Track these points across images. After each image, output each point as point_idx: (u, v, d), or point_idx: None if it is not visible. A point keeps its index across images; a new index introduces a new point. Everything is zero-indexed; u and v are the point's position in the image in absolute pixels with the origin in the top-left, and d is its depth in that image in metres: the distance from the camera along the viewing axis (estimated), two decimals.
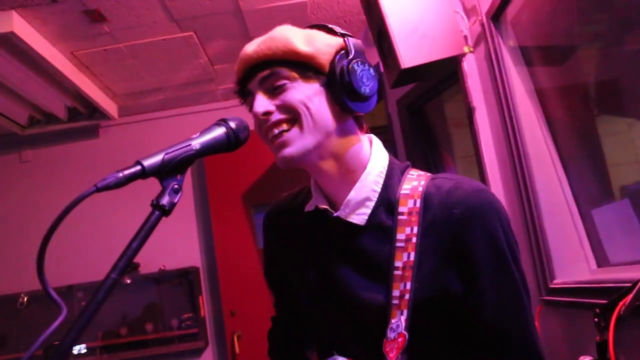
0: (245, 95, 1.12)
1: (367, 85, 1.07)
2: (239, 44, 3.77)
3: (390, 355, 1.01)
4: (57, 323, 0.76)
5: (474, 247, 1.02)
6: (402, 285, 1.02)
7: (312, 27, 1.14)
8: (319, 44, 1.07)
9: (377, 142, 1.17)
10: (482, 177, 2.73)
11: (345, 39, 1.10)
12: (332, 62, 1.07)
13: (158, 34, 3.69)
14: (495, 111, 2.58)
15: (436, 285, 1.02)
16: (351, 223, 1.10)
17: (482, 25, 2.55)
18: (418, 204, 1.06)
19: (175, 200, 0.88)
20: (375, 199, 1.10)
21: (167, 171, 0.88)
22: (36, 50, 3.40)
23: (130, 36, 3.66)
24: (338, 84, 1.05)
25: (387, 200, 1.09)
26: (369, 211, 1.09)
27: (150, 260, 4.48)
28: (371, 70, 1.10)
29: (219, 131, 0.97)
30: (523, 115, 2.37)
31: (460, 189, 1.05)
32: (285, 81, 1.06)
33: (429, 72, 2.84)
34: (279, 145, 1.07)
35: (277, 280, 1.33)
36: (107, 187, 0.81)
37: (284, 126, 1.06)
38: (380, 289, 1.05)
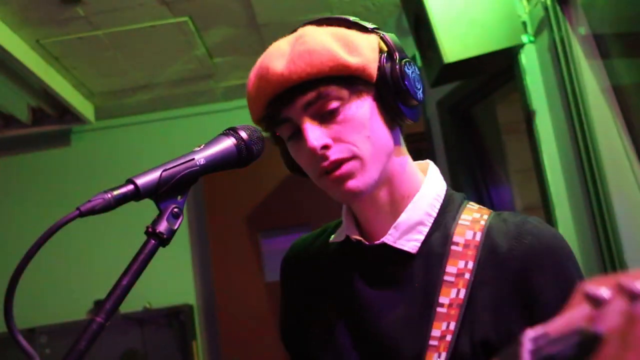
0: (277, 124, 1.12)
1: (419, 88, 1.12)
2: (244, 33, 3.81)
3: None
4: None
5: (545, 286, 1.03)
6: (444, 324, 1.05)
7: (329, 23, 1.13)
8: (363, 50, 1.08)
9: (434, 167, 1.21)
10: (544, 196, 2.72)
11: (382, 35, 1.12)
12: (381, 69, 1.09)
13: (145, 19, 3.72)
14: (561, 115, 2.57)
15: (496, 323, 1.04)
16: (399, 250, 1.12)
17: (546, 9, 2.55)
18: (478, 237, 1.09)
19: (175, 227, 0.88)
20: (430, 224, 1.13)
21: (166, 191, 0.89)
22: None
23: (110, 21, 3.70)
24: (392, 92, 1.09)
25: (443, 227, 1.12)
26: (422, 237, 1.12)
27: (133, 296, 4.46)
28: (417, 69, 1.13)
29: (228, 143, 0.98)
30: (597, 120, 2.36)
31: (530, 223, 1.09)
32: (336, 103, 1.07)
33: (478, 68, 2.85)
34: (341, 178, 1.08)
35: (298, 342, 1.32)
36: (93, 211, 0.82)
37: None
38: (419, 328, 1.07)
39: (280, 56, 1.08)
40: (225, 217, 4.79)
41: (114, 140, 5.02)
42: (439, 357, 1.04)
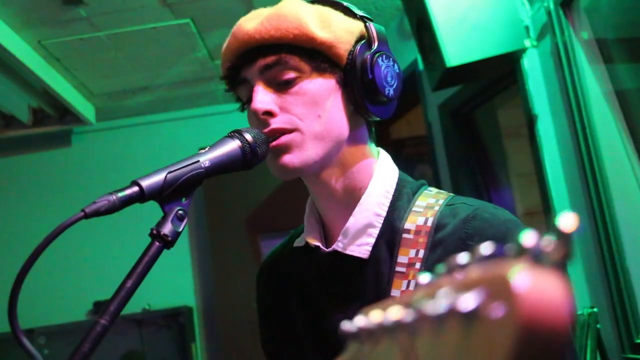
0: (237, 83, 1.11)
1: (392, 85, 1.08)
2: None
3: None
4: None
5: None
6: None
7: (323, 2, 1.13)
8: (337, 30, 1.06)
9: (384, 157, 1.16)
10: (546, 201, 2.72)
11: (367, 24, 1.10)
12: (352, 54, 1.06)
13: (147, 20, 3.73)
14: (564, 119, 2.57)
15: None
16: (351, 257, 1.09)
17: (549, 13, 2.55)
18: (429, 223, 1.04)
19: (180, 229, 0.88)
20: (380, 225, 1.08)
21: (170, 193, 0.88)
22: None
23: (112, 23, 3.70)
24: (358, 81, 1.06)
25: (394, 223, 1.08)
26: (372, 240, 1.08)
27: (132, 297, 4.49)
28: (396, 67, 1.09)
29: (233, 145, 0.98)
30: (599, 125, 2.35)
31: (478, 218, 1.02)
32: (294, 74, 1.05)
33: (480, 72, 2.85)
34: (277, 149, 1.05)
35: (274, 355, 1.31)
36: (98, 213, 0.81)
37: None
38: None
39: (255, 17, 1.08)
40: (225, 219, 4.79)
41: (114, 142, 5.03)
42: None
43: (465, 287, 0.35)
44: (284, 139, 1.05)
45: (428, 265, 1.01)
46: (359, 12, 1.11)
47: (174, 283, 4.79)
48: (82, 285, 4.64)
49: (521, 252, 0.34)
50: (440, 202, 1.07)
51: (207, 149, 0.96)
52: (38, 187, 4.92)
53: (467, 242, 0.99)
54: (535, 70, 2.74)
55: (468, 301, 0.33)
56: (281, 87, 1.06)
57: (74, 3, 3.43)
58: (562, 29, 2.46)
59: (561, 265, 0.34)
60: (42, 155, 5.04)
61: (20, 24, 3.58)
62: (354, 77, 1.06)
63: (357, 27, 1.09)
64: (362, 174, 1.11)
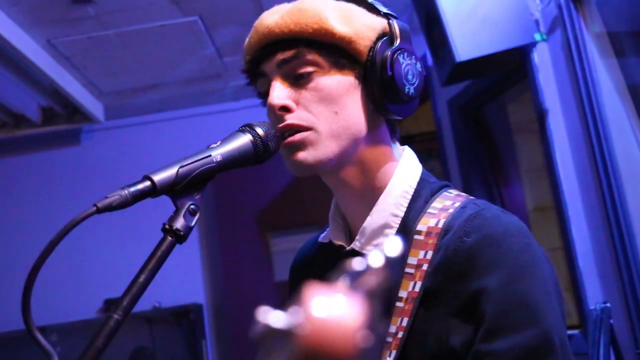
0: (257, 77, 1.12)
1: (412, 83, 1.06)
2: None
3: None
4: None
5: (483, 286, 0.96)
6: (399, 320, 1.01)
7: None
8: (358, 25, 1.05)
9: (408, 155, 1.15)
10: (556, 197, 2.70)
11: (390, 20, 1.08)
12: (372, 50, 1.05)
13: (155, 18, 3.73)
14: (575, 114, 2.56)
15: (436, 337, 0.98)
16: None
17: (559, 6, 2.54)
18: (440, 225, 1.03)
19: (192, 224, 0.88)
20: (397, 226, 1.08)
21: (182, 188, 0.88)
22: (4, 36, 3.45)
23: (120, 21, 3.71)
24: (377, 78, 1.05)
25: (410, 225, 1.07)
26: None
27: (142, 295, 4.50)
28: (418, 65, 1.08)
29: (244, 140, 0.97)
30: (612, 119, 2.35)
31: (481, 216, 1.01)
32: (312, 68, 1.05)
33: (490, 66, 2.84)
34: (292, 146, 1.05)
35: None
36: (110, 208, 0.81)
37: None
38: (382, 327, 1.03)
39: (277, 12, 1.08)
40: (235, 216, 4.79)
41: (123, 140, 5.03)
42: (389, 356, 1.00)
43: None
44: (298, 136, 1.04)
45: (433, 267, 1.00)
46: (383, 9, 1.10)
47: (184, 281, 4.79)
48: (93, 283, 4.66)
49: None
50: (456, 204, 1.06)
51: (218, 143, 0.96)
52: (48, 185, 4.94)
53: (464, 239, 0.99)
54: (545, 64, 2.73)
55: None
56: (298, 81, 1.06)
57: (83, 2, 3.44)
58: (573, 22, 2.45)
59: None
60: (52, 153, 5.06)
61: (30, 23, 3.59)
62: (373, 73, 1.04)
63: (380, 23, 1.07)
64: (383, 173, 1.10)
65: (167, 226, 0.86)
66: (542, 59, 2.73)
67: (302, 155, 1.05)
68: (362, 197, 1.10)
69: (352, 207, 1.13)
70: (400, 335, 1.00)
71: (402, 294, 1.02)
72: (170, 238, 0.86)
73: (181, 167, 0.88)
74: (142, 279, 0.84)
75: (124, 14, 3.63)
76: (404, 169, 1.11)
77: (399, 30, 1.07)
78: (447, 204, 1.07)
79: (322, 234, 1.23)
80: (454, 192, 1.12)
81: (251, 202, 4.79)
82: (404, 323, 1.00)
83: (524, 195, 3.69)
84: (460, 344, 0.96)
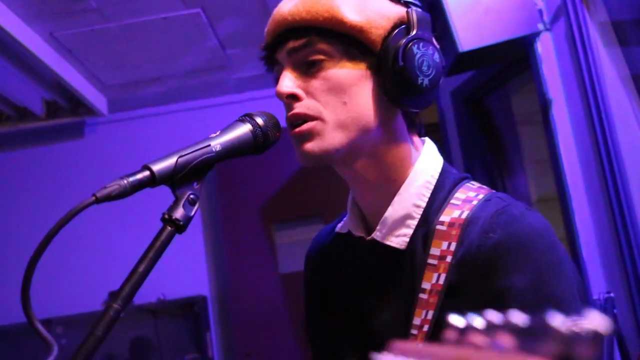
0: (272, 64, 1.11)
1: (427, 75, 1.02)
2: (256, 24, 3.81)
3: None
4: None
5: (509, 285, 0.96)
6: (424, 313, 1.01)
7: None
8: (372, 14, 1.03)
9: (429, 146, 1.14)
10: (560, 188, 2.70)
11: (410, 9, 1.04)
12: (386, 40, 1.03)
13: (157, 10, 3.73)
14: (579, 104, 2.55)
15: None
16: (389, 247, 1.08)
17: None
18: (464, 216, 1.03)
19: (192, 214, 0.87)
20: (419, 217, 1.07)
21: (182, 178, 0.88)
22: (7, 30, 3.45)
23: (123, 14, 3.70)
24: (389, 69, 1.02)
25: (432, 216, 1.06)
26: (410, 231, 1.07)
27: (146, 287, 4.47)
28: (436, 55, 1.04)
29: (244, 129, 0.97)
30: (615, 109, 2.33)
31: (507, 213, 1.01)
32: (322, 57, 1.03)
33: (493, 57, 2.83)
34: (300, 136, 1.05)
35: (314, 336, 1.32)
36: (109, 198, 0.81)
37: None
38: (405, 318, 1.03)
39: (292, 1, 1.07)
40: (239, 208, 4.80)
41: (127, 133, 5.04)
42: None
43: None
44: (305, 126, 1.04)
45: (457, 258, 1.00)
46: None
47: (188, 273, 4.81)
48: (98, 275, 4.66)
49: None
50: (480, 197, 1.06)
51: (218, 133, 0.95)
52: (51, 178, 4.95)
53: (490, 235, 0.98)
54: (549, 54, 2.72)
55: None
56: (309, 70, 1.04)
57: None
58: (577, 11, 2.44)
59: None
60: (55, 147, 5.07)
61: (32, 16, 3.59)
62: (386, 64, 1.02)
63: (397, 12, 1.04)
64: (399, 165, 1.09)
65: (166, 216, 0.86)
66: (546, 48, 2.72)
67: (309, 145, 1.04)
68: (378, 189, 1.10)
69: (367, 198, 1.12)
70: (425, 328, 1.00)
71: (426, 285, 1.02)
72: (169, 228, 0.86)
73: (180, 156, 0.88)
74: (141, 268, 0.83)
75: (127, 7, 3.63)
76: (425, 160, 1.10)
77: (417, 19, 1.04)
78: (470, 195, 1.07)
79: (339, 224, 1.22)
80: (476, 184, 1.11)
81: (255, 194, 4.79)
82: (429, 316, 1.00)
83: (528, 186, 3.68)
84: None
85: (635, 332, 2.32)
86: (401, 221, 1.07)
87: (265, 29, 1.10)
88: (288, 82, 1.04)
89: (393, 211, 1.07)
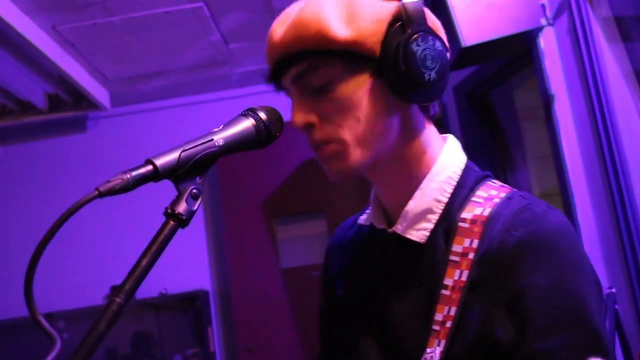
0: (280, 90, 1.11)
1: (432, 68, 1.01)
2: (259, 18, 3.80)
3: None
4: (50, 358, 0.76)
5: (528, 290, 0.96)
6: (446, 309, 1.01)
7: None
8: (363, 22, 1.01)
9: (452, 142, 1.15)
10: (563, 183, 2.69)
11: (401, 4, 1.02)
12: (384, 44, 1.01)
13: (161, 4, 3.72)
14: (581, 100, 2.55)
15: (483, 320, 0.99)
16: (409, 240, 1.09)
17: None
18: (486, 213, 1.03)
19: (195, 208, 0.87)
20: (440, 212, 1.08)
21: (185, 172, 0.88)
22: (9, 23, 3.44)
23: (126, 7, 3.70)
24: (393, 72, 1.01)
25: (454, 211, 1.07)
26: (430, 226, 1.08)
27: (149, 282, 4.48)
28: (437, 44, 1.02)
29: (247, 124, 0.97)
30: (618, 105, 2.33)
31: (530, 211, 1.01)
32: (325, 79, 1.03)
33: (496, 52, 2.83)
34: (325, 158, 1.07)
35: (332, 323, 1.33)
36: (112, 192, 0.81)
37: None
38: (425, 313, 1.04)
39: (284, 22, 1.05)
40: (241, 203, 4.80)
41: (129, 127, 5.04)
42: (439, 344, 1.00)
43: None
44: (327, 150, 1.05)
45: (479, 255, 1.00)
46: None
47: (190, 267, 4.82)
48: (100, 270, 4.68)
49: None
50: (502, 195, 1.06)
51: (220, 127, 0.95)
52: (54, 172, 4.95)
53: (512, 232, 0.99)
54: (551, 49, 2.71)
55: None
56: (317, 92, 1.04)
57: None
58: (579, 6, 2.43)
59: None
60: (58, 140, 5.07)
61: (35, 9, 3.59)
62: (389, 68, 1.01)
63: (388, 11, 1.03)
64: (420, 161, 1.09)
65: (169, 210, 0.86)
66: (548, 44, 2.72)
67: (334, 166, 1.06)
68: (400, 185, 1.10)
69: (390, 193, 1.13)
70: (448, 324, 1.00)
71: (448, 281, 1.02)
72: (172, 222, 0.86)
73: (183, 151, 0.88)
74: (144, 263, 0.83)
75: (130, 0, 3.63)
76: (448, 156, 1.11)
77: (411, 13, 1.01)
78: (492, 193, 1.07)
79: (362, 217, 1.24)
80: (497, 182, 1.12)
81: (257, 189, 4.80)
82: (452, 312, 1.00)
83: (530, 182, 3.68)
84: (506, 338, 0.97)
85: (636, 327, 2.32)
86: (422, 215, 1.08)
87: (265, 50, 1.09)
88: (300, 113, 1.05)
89: (414, 205, 1.08)
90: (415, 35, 1.00)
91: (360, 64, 1.03)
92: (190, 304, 4.78)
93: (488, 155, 3.63)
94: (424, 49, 1.01)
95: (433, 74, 1.02)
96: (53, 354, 0.79)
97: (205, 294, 4.79)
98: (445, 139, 1.15)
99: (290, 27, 1.03)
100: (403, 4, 1.02)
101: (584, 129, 2.57)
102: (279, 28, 1.05)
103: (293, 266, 4.79)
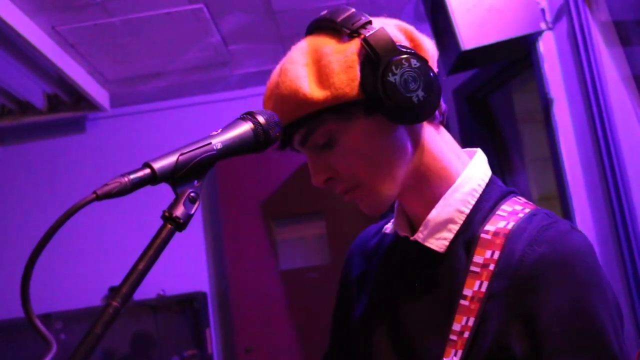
0: (296, 151, 1.15)
1: (417, 88, 1.02)
2: (259, 20, 3.80)
3: None
4: None
5: (546, 307, 0.96)
6: (465, 319, 1.01)
7: (318, 29, 1.10)
8: (336, 76, 1.03)
9: (479, 157, 1.16)
10: (561, 186, 2.70)
11: (362, 38, 1.03)
12: (363, 85, 1.02)
13: (160, 5, 3.72)
14: (580, 103, 2.55)
15: (499, 332, 0.99)
16: (429, 249, 1.09)
17: None
18: (509, 227, 1.04)
19: (192, 212, 0.87)
20: (461, 222, 1.09)
21: (182, 176, 0.87)
22: (9, 23, 3.44)
23: (126, 8, 3.70)
24: (382, 109, 1.03)
25: (476, 223, 1.07)
26: (450, 236, 1.09)
27: (147, 283, 4.44)
28: (413, 61, 1.02)
29: (245, 127, 0.96)
30: (617, 109, 2.33)
31: (555, 229, 1.01)
32: (326, 136, 1.07)
33: (495, 55, 2.83)
34: (357, 201, 1.12)
35: (339, 331, 1.34)
36: (110, 195, 0.80)
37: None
38: (443, 322, 1.04)
39: (268, 98, 1.10)
40: (239, 205, 4.80)
41: (128, 128, 5.04)
42: (455, 354, 1.00)
43: None
44: (354, 196, 1.10)
45: (499, 268, 1.01)
46: (352, 27, 1.05)
47: (188, 269, 4.81)
48: (98, 271, 4.67)
49: None
50: (527, 210, 1.06)
51: (219, 131, 0.95)
52: (53, 173, 4.95)
53: (534, 247, 0.99)
54: (551, 53, 2.72)
55: None
56: (325, 148, 1.08)
57: None
58: (579, 10, 2.43)
59: None
60: (57, 141, 5.07)
61: (35, 9, 3.59)
62: (377, 107, 1.03)
63: (353, 52, 1.04)
64: (441, 173, 1.11)
65: (166, 214, 0.86)
66: (548, 48, 2.72)
67: (364, 207, 1.11)
68: (423, 197, 1.12)
69: (411, 203, 1.15)
70: (466, 334, 1.00)
71: (467, 292, 1.02)
72: (169, 226, 0.85)
73: (181, 154, 0.87)
74: (141, 266, 0.83)
75: (130, 1, 3.63)
76: (474, 169, 1.12)
77: (375, 44, 1.02)
78: (517, 208, 1.08)
79: (387, 225, 1.25)
80: (522, 199, 1.12)
81: (255, 191, 4.80)
82: (470, 322, 1.01)
83: (529, 185, 3.68)
84: (521, 353, 0.97)
85: (634, 331, 2.32)
86: (443, 225, 1.09)
87: None
88: (317, 172, 1.10)
89: (436, 214, 1.09)
90: (387, 67, 1.01)
91: (350, 112, 1.05)
92: (188, 306, 4.78)
93: (487, 158, 3.63)
94: (402, 75, 1.02)
95: (420, 93, 1.02)
96: (49, 357, 0.79)
97: (203, 295, 4.78)
98: (473, 153, 1.17)
99: (273, 103, 1.07)
100: (364, 40, 1.03)
101: (582, 132, 2.57)
102: (267, 103, 1.10)
103: (292, 268, 4.79)
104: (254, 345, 4.59)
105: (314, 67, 1.05)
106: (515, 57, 2.93)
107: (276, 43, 4.28)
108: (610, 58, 2.37)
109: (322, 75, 1.04)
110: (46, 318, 4.52)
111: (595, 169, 2.50)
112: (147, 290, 4.61)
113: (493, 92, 3.57)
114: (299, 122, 1.06)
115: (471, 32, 2.55)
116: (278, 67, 1.11)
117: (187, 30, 4.03)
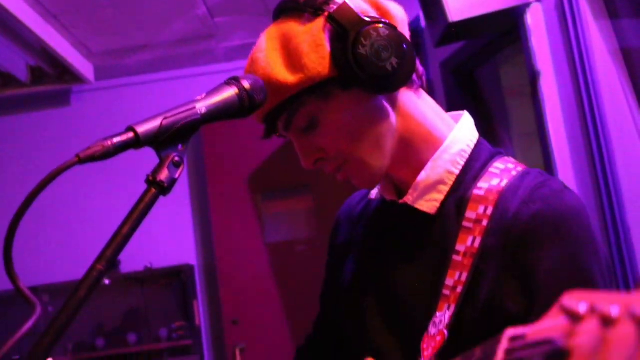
0: (283, 137, 1.16)
1: (389, 56, 1.02)
2: None
3: (425, 353, 1.02)
4: (30, 323, 0.76)
5: (541, 262, 0.98)
6: (457, 274, 1.02)
7: (284, 15, 1.09)
8: (306, 57, 1.03)
9: (466, 119, 1.16)
10: (548, 160, 2.71)
11: (326, 17, 1.03)
12: (334, 60, 1.03)
13: None
14: (567, 77, 2.55)
15: (493, 291, 1.01)
16: (419, 211, 1.10)
17: None
18: (503, 184, 1.04)
19: (176, 176, 0.86)
20: (451, 183, 1.09)
21: (166, 139, 0.87)
22: None
23: None
24: (356, 82, 1.03)
25: (467, 182, 1.08)
26: (441, 197, 1.09)
27: (134, 256, 4.52)
28: (381, 30, 1.02)
29: (230, 92, 0.96)
30: (604, 83, 2.34)
31: (547, 186, 1.02)
32: (309, 117, 1.07)
33: (483, 27, 2.82)
34: (348, 177, 1.11)
35: (328, 298, 1.35)
36: (92, 158, 0.80)
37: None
38: (435, 278, 1.05)
39: None
40: (226, 178, 4.80)
41: (113, 101, 5.01)
42: (448, 308, 1.01)
43: None
44: (345, 172, 1.10)
45: (493, 223, 1.01)
46: (313, 7, 1.04)
47: (175, 242, 4.82)
48: (84, 243, 4.66)
49: None
50: (519, 169, 1.07)
51: (203, 95, 0.95)
52: (36, 146, 4.92)
53: (528, 205, 1.00)
54: (539, 26, 2.70)
55: None
56: (309, 129, 1.08)
57: None
58: None
59: None
60: (41, 114, 5.03)
61: None
62: (352, 80, 1.03)
63: (319, 29, 1.04)
64: (427, 137, 1.11)
65: (150, 178, 0.85)
66: (535, 20, 2.71)
67: (357, 182, 1.12)
68: (411, 163, 1.11)
69: (399, 168, 1.14)
70: (459, 289, 1.01)
71: (460, 247, 1.03)
72: (153, 190, 0.85)
73: (165, 118, 0.87)
74: (125, 230, 0.83)
75: None
76: (461, 131, 1.12)
77: (340, 19, 1.02)
78: (509, 166, 1.08)
79: (373, 191, 1.25)
80: (512, 159, 1.13)
81: (242, 164, 4.79)
82: (463, 277, 1.01)
83: (516, 159, 3.69)
84: (515, 309, 0.99)
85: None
86: (433, 186, 1.09)
87: None
88: (305, 155, 1.11)
89: (425, 176, 1.09)
90: (356, 39, 1.01)
91: (327, 91, 1.05)
92: (176, 278, 4.79)
93: None
94: (372, 45, 1.02)
95: (394, 60, 1.03)
96: (33, 319, 0.79)
97: (190, 268, 4.80)
98: (459, 116, 1.17)
99: None
100: (329, 16, 1.03)
101: (569, 106, 2.58)
102: None
103: (278, 241, 4.81)
104: (241, 317, 4.61)
105: (283, 51, 1.05)
106: (502, 29, 2.92)
107: (263, 15, 4.25)
108: (598, 31, 2.37)
109: (292, 58, 1.04)
110: (33, 291, 4.46)
111: (581, 143, 2.51)
112: (134, 264, 4.62)
113: (480, 66, 3.56)
114: (278, 109, 1.06)
115: (458, 4, 2.54)
116: (249, 58, 1.11)
117: (173, 2, 4.00)
